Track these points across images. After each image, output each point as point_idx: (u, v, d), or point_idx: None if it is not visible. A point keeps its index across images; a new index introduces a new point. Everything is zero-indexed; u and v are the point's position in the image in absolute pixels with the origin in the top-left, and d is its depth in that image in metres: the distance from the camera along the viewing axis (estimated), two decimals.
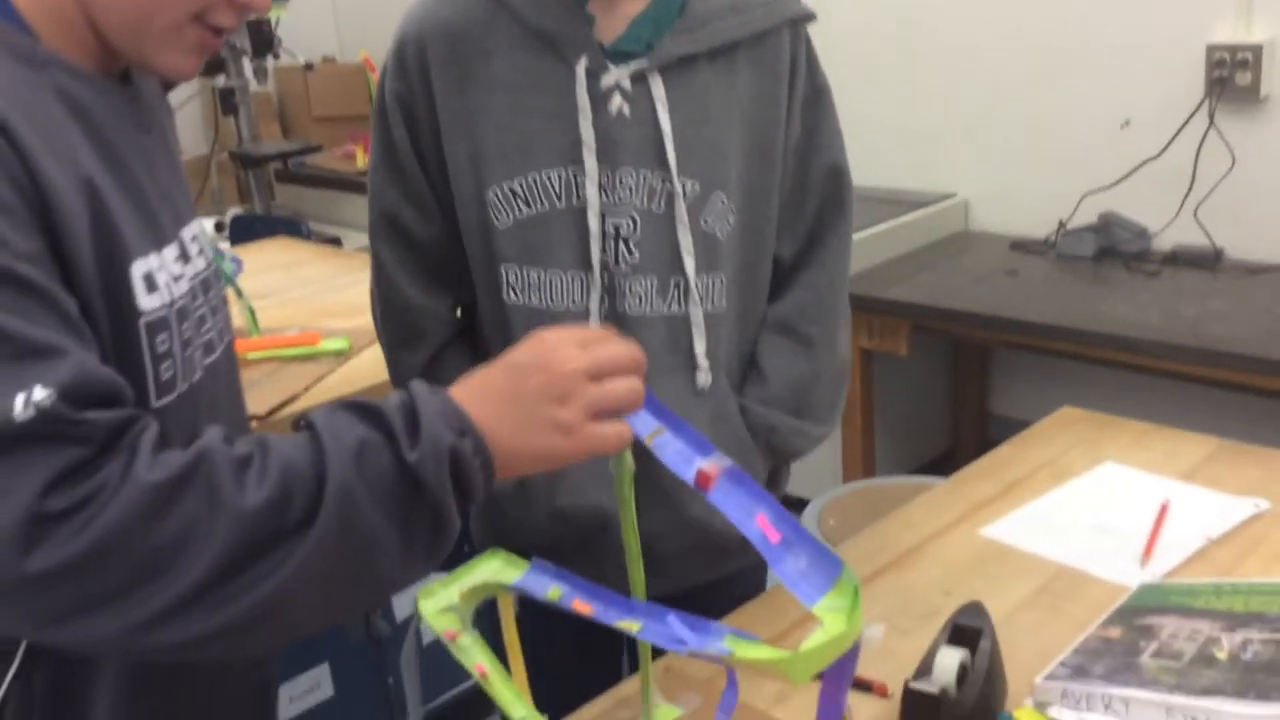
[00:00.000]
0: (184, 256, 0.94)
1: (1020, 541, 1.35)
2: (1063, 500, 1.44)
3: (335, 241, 3.84)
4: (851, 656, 0.82)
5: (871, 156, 3.40)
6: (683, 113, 1.20)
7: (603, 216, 1.21)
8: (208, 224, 2.55)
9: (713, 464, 0.86)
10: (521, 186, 1.21)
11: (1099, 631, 1.11)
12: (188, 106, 4.58)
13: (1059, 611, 1.22)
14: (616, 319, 1.23)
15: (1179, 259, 2.78)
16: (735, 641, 0.83)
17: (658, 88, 1.19)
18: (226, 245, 2.48)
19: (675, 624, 0.86)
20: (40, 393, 0.71)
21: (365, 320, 1.48)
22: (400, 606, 2.22)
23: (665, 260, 1.22)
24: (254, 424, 1.84)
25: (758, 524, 0.84)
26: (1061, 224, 2.96)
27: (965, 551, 1.35)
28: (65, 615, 0.73)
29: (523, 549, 0.97)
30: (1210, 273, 2.70)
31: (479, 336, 1.34)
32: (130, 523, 0.72)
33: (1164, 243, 2.85)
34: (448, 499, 0.81)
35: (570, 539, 1.28)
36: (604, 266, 1.22)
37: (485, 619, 0.98)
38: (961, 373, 3.33)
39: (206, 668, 1.00)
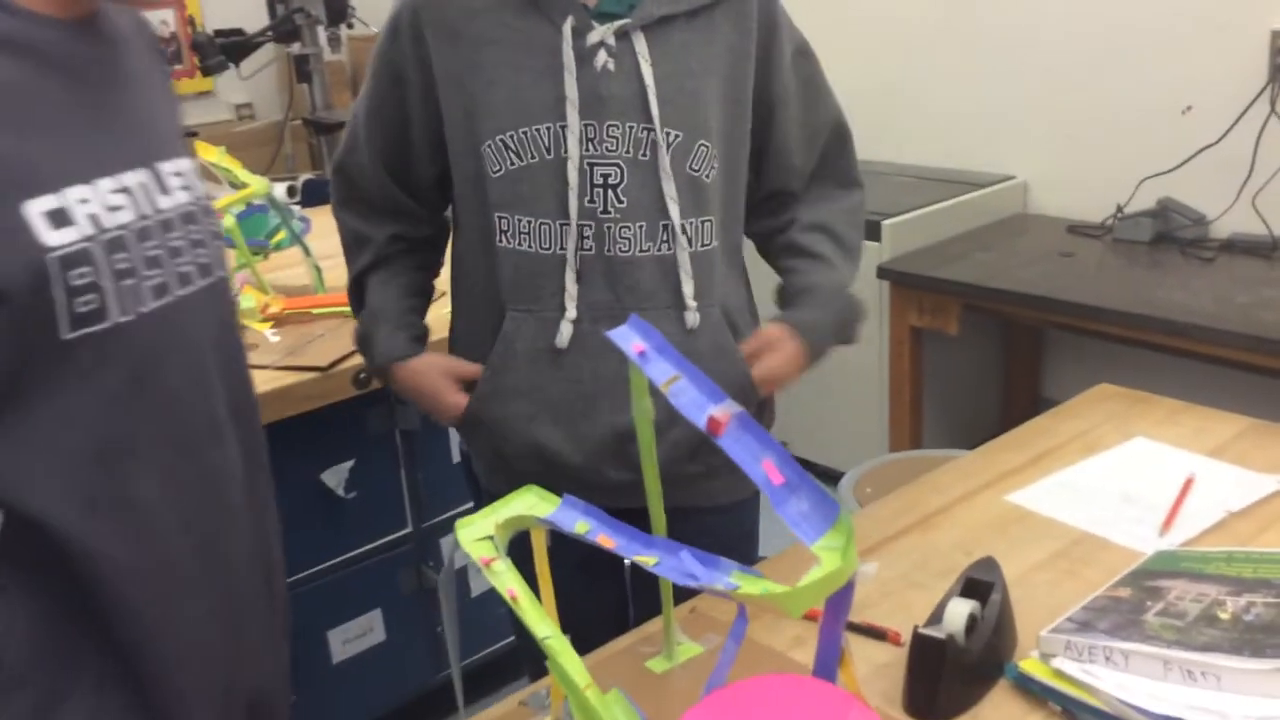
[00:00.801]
0: (159, 187, 0.97)
1: (1043, 507, 1.39)
2: (1090, 470, 1.47)
3: None
4: (847, 592, 0.87)
5: (931, 137, 3.43)
6: (664, 67, 1.28)
7: (591, 167, 1.29)
8: (280, 188, 2.62)
9: (724, 411, 0.91)
10: (514, 140, 1.29)
11: (1109, 591, 1.15)
12: (264, 72, 4.68)
13: (1075, 574, 1.26)
14: (606, 262, 1.31)
15: (1235, 246, 2.76)
16: (741, 577, 0.88)
17: (640, 44, 1.27)
18: (297, 207, 2.56)
19: (688, 559, 0.92)
20: None
21: None
22: (457, 556, 2.29)
23: (652, 206, 1.30)
24: (316, 375, 1.93)
25: (764, 468, 0.89)
26: (1119, 208, 2.95)
27: (988, 515, 1.39)
28: None
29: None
30: (1266, 261, 2.69)
31: (458, 270, 1.46)
32: None
33: (1221, 230, 2.84)
34: None
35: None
36: (589, 214, 1.30)
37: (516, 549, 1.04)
38: (1012, 354, 3.33)
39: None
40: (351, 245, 1.51)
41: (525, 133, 1.28)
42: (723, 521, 1.46)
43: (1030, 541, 1.33)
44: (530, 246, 1.32)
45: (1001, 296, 2.67)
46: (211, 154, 2.26)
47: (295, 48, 4.20)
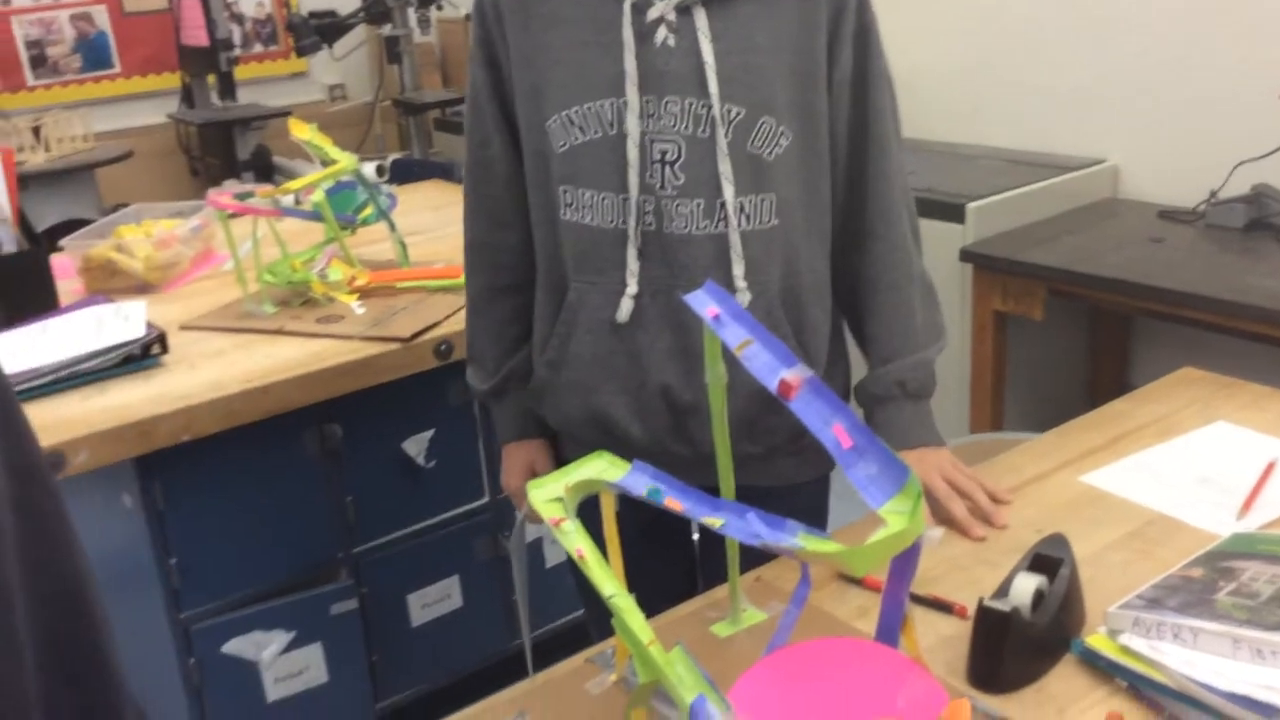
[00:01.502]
0: None
1: (1119, 489, 1.38)
2: (1168, 453, 1.45)
3: None
4: (912, 555, 0.88)
5: (1019, 119, 3.38)
6: (726, 42, 1.27)
7: (650, 143, 1.29)
8: (369, 167, 2.69)
9: (795, 375, 0.92)
10: (577, 115, 1.31)
11: (1181, 571, 1.14)
12: (356, 54, 4.78)
13: (1148, 555, 1.24)
14: (664, 239, 1.32)
15: None
16: (806, 537, 0.90)
17: (701, 20, 1.27)
18: (386, 185, 2.62)
19: (754, 520, 0.93)
20: None
21: None
22: (529, 530, 2.34)
23: (709, 183, 1.30)
24: (398, 346, 1.97)
25: (834, 432, 0.90)
26: (1212, 194, 2.88)
27: (1062, 495, 1.38)
28: None
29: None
30: None
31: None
32: None
33: None
34: None
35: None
36: (649, 190, 1.31)
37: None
38: (1099, 341, 3.28)
39: None
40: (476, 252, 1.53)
41: (589, 108, 1.30)
42: (784, 504, 1.46)
43: (1104, 522, 1.32)
44: (593, 220, 1.34)
45: (1088, 281, 2.63)
46: (304, 131, 2.32)
47: (386, 29, 4.29)
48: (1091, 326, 3.29)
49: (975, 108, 3.46)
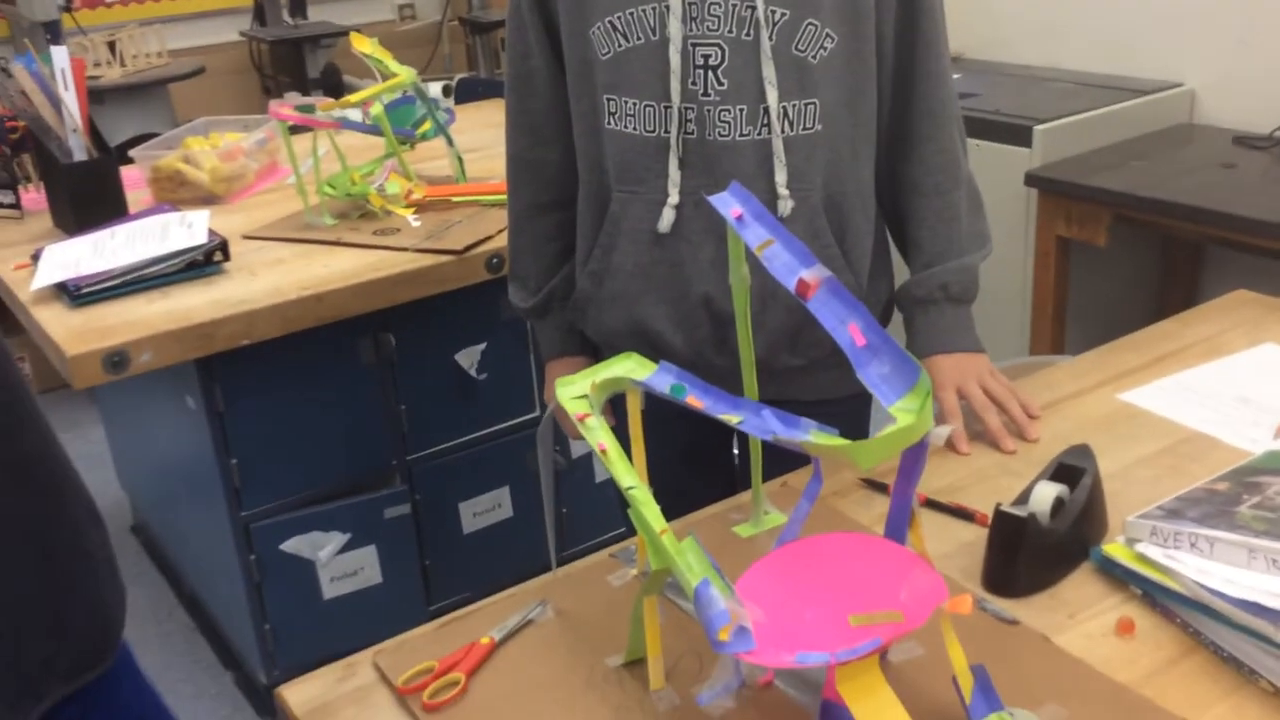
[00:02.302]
0: None
1: (1156, 406, 1.37)
2: (1210, 373, 1.44)
3: None
4: (920, 452, 0.89)
5: (1094, 40, 3.28)
6: None
7: (693, 48, 1.28)
8: (436, 87, 2.70)
9: (814, 275, 0.93)
10: (620, 21, 1.30)
11: (1207, 485, 1.13)
12: None
13: (1179, 470, 1.24)
14: (706, 146, 1.31)
15: None
16: (817, 433, 0.91)
17: None
18: (448, 100, 2.63)
19: (769, 418, 0.95)
20: None
21: None
22: (576, 447, 2.38)
23: (752, 89, 1.29)
24: (452, 259, 2.01)
25: (849, 331, 0.91)
26: None
27: (1098, 412, 1.38)
28: None
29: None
30: None
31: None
32: None
33: None
34: None
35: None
36: (691, 97, 1.29)
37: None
38: (1169, 269, 3.21)
39: None
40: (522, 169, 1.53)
41: (631, 13, 1.29)
42: (824, 417, 1.46)
43: (1137, 438, 1.31)
44: (635, 129, 1.33)
45: (1154, 207, 2.58)
46: (365, 45, 2.34)
47: None
48: (1162, 254, 3.22)
49: (1047, 27, 3.37)
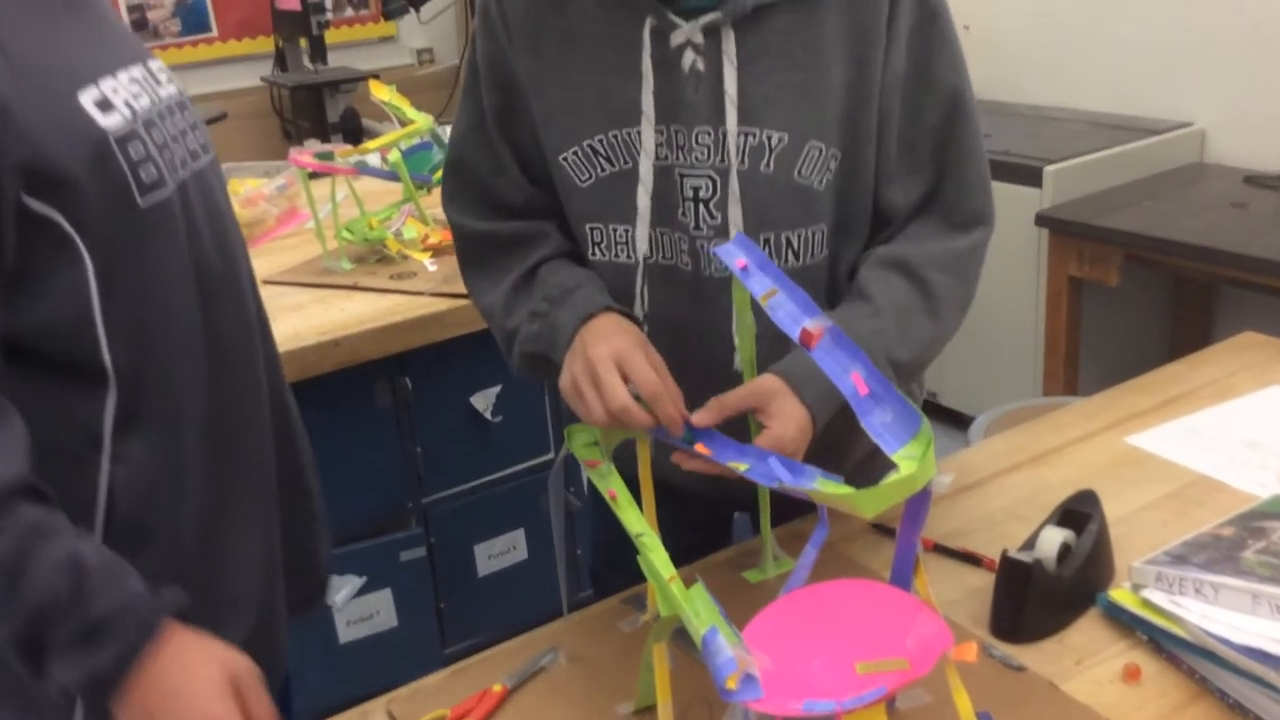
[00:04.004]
0: (154, 80, 1.06)
1: (1163, 450, 1.38)
2: (1217, 416, 1.44)
3: None
4: (923, 499, 0.91)
5: (1105, 80, 3.31)
6: (762, 63, 1.11)
7: (680, 178, 1.15)
8: (449, 130, 2.76)
9: (817, 324, 0.95)
10: (602, 145, 1.16)
11: (1213, 529, 1.14)
12: (443, 17, 4.85)
13: (1185, 515, 1.25)
14: (700, 283, 1.18)
15: None
16: (823, 481, 0.93)
17: (728, 43, 1.11)
18: None
19: (775, 465, 0.97)
20: None
21: None
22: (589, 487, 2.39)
23: (747, 221, 1.15)
24: (468, 302, 2.03)
25: (852, 379, 0.93)
26: None
27: (1105, 455, 1.39)
28: None
29: None
30: None
31: None
32: None
33: None
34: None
35: None
36: (683, 229, 1.17)
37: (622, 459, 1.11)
38: (1181, 309, 3.22)
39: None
40: (510, 242, 1.26)
41: (614, 136, 1.16)
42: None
43: (1143, 482, 1.32)
44: (627, 257, 1.20)
45: (1165, 247, 2.59)
46: (383, 93, 2.39)
47: None
48: (1174, 293, 3.23)
49: (1058, 67, 3.40)
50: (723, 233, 1.15)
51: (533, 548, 2.37)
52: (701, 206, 1.15)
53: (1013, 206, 2.83)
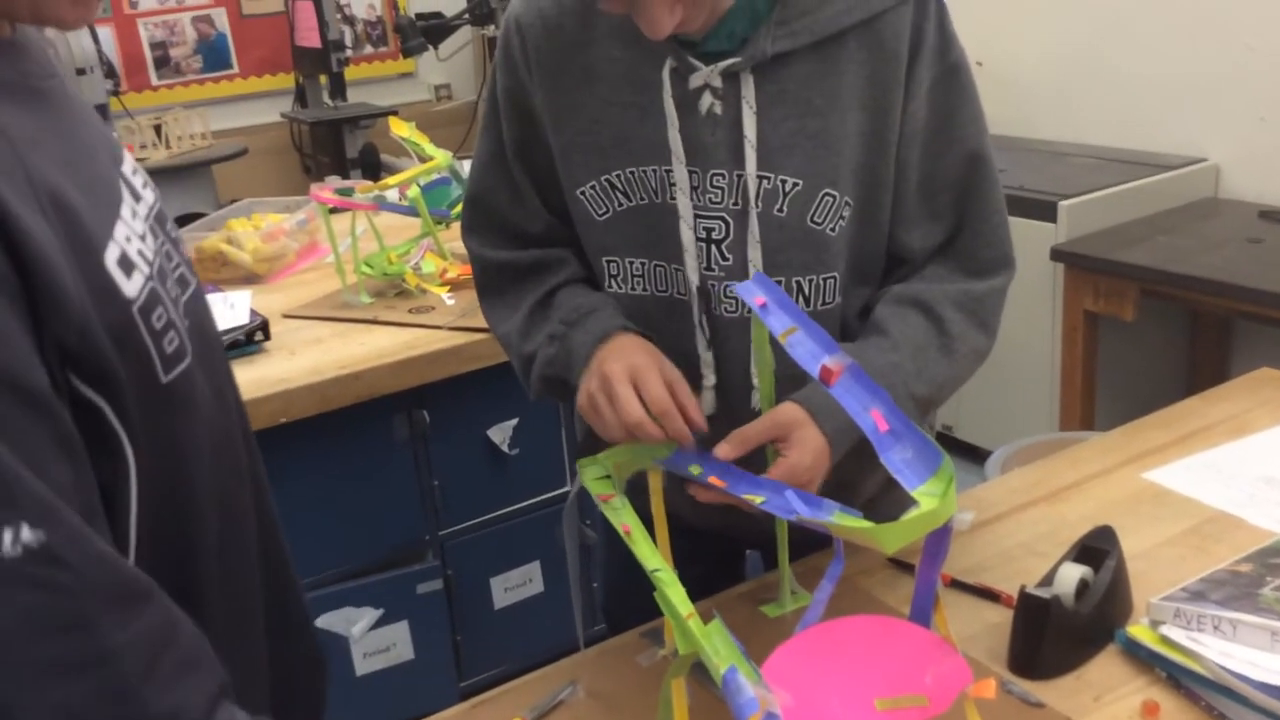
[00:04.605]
0: (135, 196, 0.86)
1: (1180, 486, 1.38)
2: (1235, 453, 1.44)
3: None
4: (943, 536, 0.91)
5: (1118, 115, 3.33)
6: (780, 108, 1.13)
7: (695, 219, 1.16)
8: (467, 165, 2.79)
9: (837, 362, 0.96)
10: (620, 180, 1.18)
11: (1230, 566, 1.14)
12: (461, 54, 4.90)
13: (1204, 551, 1.25)
14: (712, 321, 1.19)
15: None
16: (840, 515, 0.94)
17: (748, 88, 1.12)
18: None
19: (792, 498, 0.98)
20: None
21: None
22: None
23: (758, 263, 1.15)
24: (485, 336, 2.05)
25: (871, 417, 0.94)
26: None
27: (1122, 491, 1.39)
28: None
29: None
30: None
31: None
32: None
33: None
34: None
35: None
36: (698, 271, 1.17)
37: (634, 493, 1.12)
38: (1198, 344, 3.21)
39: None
40: (528, 271, 1.27)
41: (632, 173, 1.17)
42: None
43: (1161, 518, 1.32)
44: (644, 290, 1.21)
45: (1181, 281, 2.60)
46: (403, 129, 2.42)
47: (489, 30, 4.39)
48: (1191, 328, 3.22)
49: (1071, 103, 3.41)
50: (735, 274, 1.16)
51: (549, 580, 2.37)
52: (714, 247, 1.17)
53: (1028, 241, 2.83)
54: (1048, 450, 2.19)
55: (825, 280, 1.17)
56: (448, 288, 2.26)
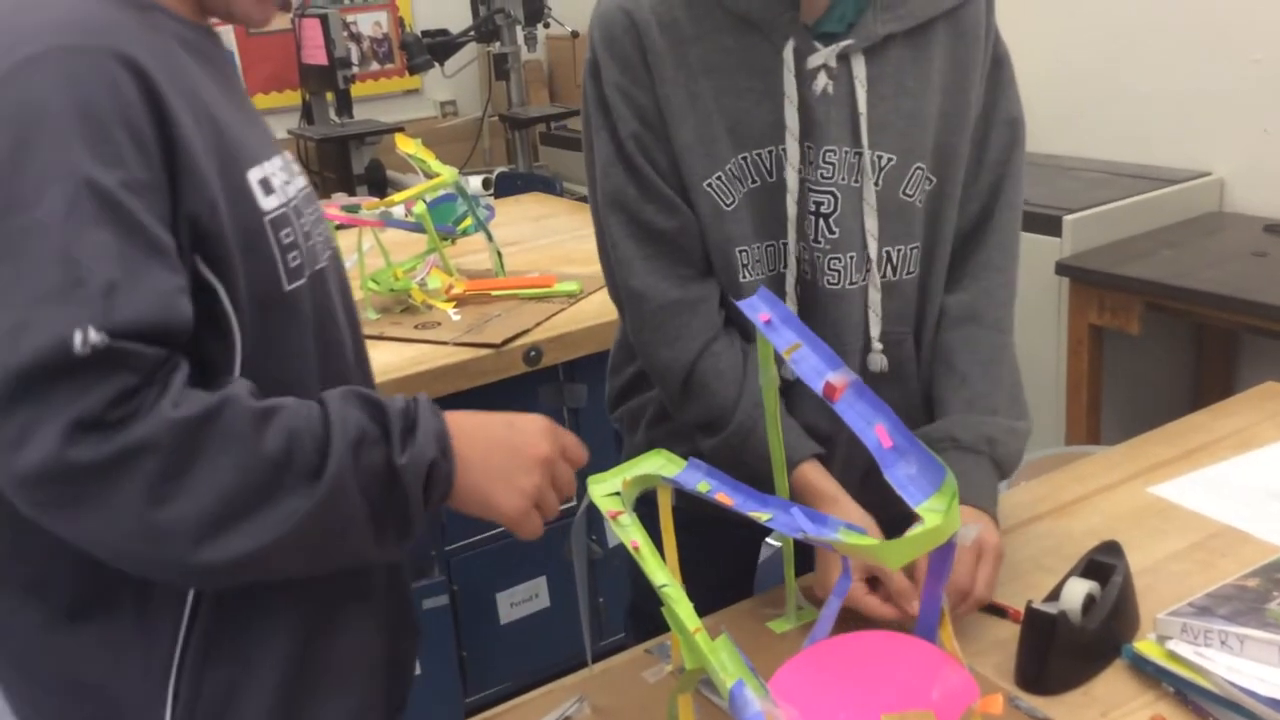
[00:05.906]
0: (291, 171, 1.05)
1: (1186, 500, 1.38)
2: (1241, 467, 1.44)
3: (585, 199, 4.08)
4: (947, 552, 0.91)
5: (1123, 130, 3.33)
6: (879, 88, 1.22)
7: (806, 193, 1.24)
8: (476, 180, 2.79)
9: (841, 377, 0.96)
10: (735, 168, 1.24)
11: (1237, 580, 1.14)
12: (466, 71, 4.92)
13: (1210, 565, 1.25)
14: (815, 292, 1.27)
15: None
16: (846, 533, 0.94)
17: (859, 67, 1.21)
18: (486, 197, 2.70)
19: (799, 515, 0.98)
20: (95, 335, 0.79)
21: (599, 267, 1.46)
22: (612, 536, 2.40)
23: (862, 237, 1.25)
24: (491, 351, 2.06)
25: (875, 432, 0.94)
26: None
27: (1128, 505, 1.39)
28: (79, 509, 0.81)
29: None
30: None
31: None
32: (149, 445, 0.81)
33: None
34: (417, 502, 0.93)
35: None
36: (804, 239, 1.26)
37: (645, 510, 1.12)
38: (1204, 357, 3.21)
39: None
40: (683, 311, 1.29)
41: (745, 158, 1.24)
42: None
43: (1167, 532, 1.32)
44: (762, 274, 1.27)
45: (1186, 295, 2.59)
46: (409, 146, 2.43)
47: (495, 47, 4.42)
48: (1196, 342, 3.22)
49: (1075, 117, 3.42)
50: (842, 246, 1.25)
51: (555, 595, 2.37)
52: (821, 221, 1.25)
53: (1033, 255, 2.83)
54: (1054, 465, 2.18)
55: (911, 250, 1.28)
56: (454, 303, 2.27)
